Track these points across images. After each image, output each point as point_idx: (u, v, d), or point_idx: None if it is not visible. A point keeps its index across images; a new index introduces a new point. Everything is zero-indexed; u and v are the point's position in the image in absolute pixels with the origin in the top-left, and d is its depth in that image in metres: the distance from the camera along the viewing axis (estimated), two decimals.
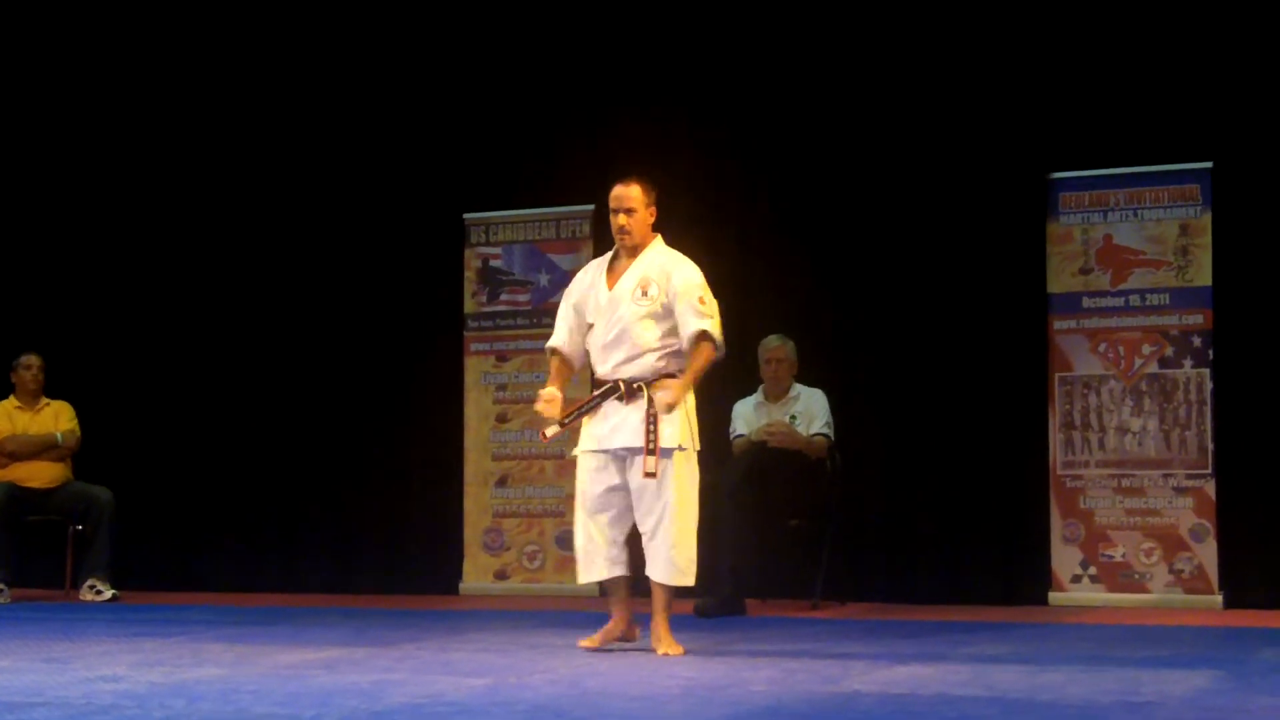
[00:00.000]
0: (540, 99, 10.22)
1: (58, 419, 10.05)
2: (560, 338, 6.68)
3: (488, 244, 10.23)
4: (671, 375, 6.41)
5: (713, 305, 6.46)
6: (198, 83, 11.03)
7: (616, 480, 6.44)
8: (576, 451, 6.59)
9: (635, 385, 6.40)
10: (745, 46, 9.80)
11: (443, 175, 10.42)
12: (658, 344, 6.42)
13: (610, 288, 6.51)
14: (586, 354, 6.64)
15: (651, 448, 6.29)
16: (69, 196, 11.25)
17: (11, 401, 10.05)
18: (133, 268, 11.05)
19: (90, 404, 10.31)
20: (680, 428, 6.37)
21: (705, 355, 6.40)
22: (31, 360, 10.07)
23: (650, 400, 6.33)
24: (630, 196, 6.51)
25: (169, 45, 11.08)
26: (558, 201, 10.06)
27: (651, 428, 6.30)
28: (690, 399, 6.47)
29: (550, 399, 6.48)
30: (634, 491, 6.39)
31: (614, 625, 6.51)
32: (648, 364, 6.42)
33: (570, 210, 10.04)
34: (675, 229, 9.58)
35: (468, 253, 10.26)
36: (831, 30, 9.65)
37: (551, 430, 6.54)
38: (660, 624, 6.37)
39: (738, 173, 9.77)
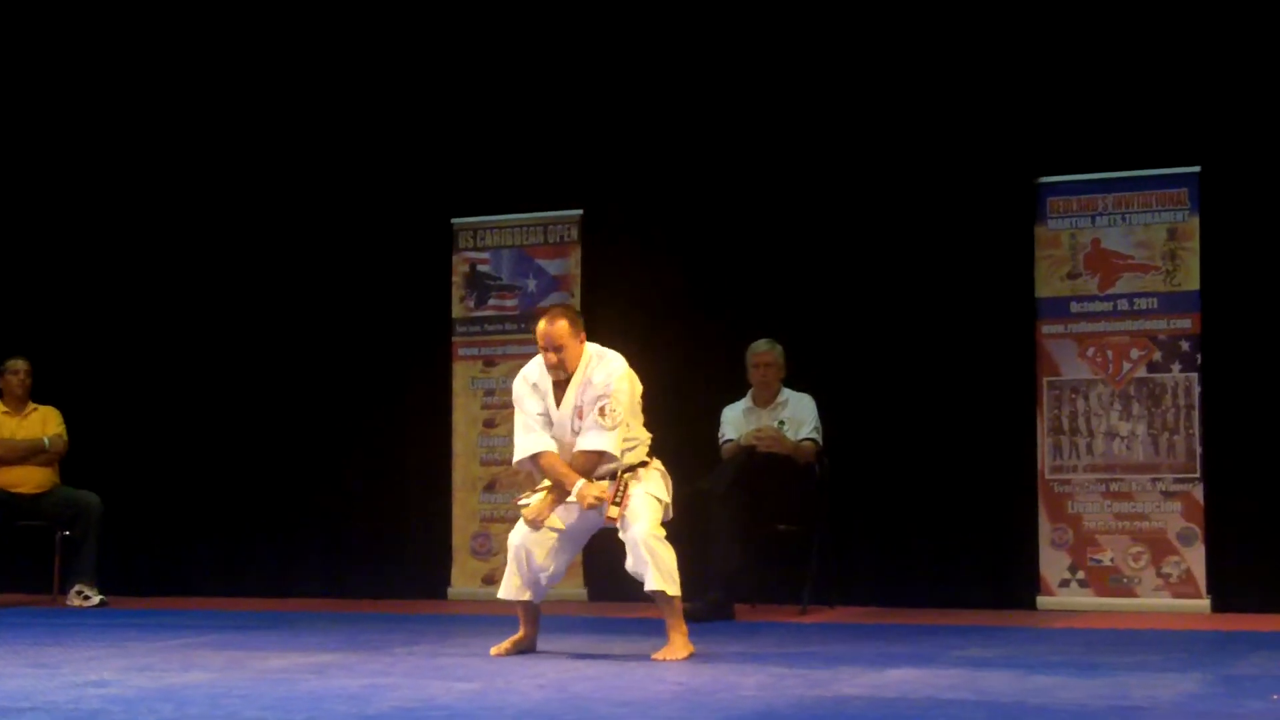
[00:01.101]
0: (528, 103, 10.22)
1: (45, 424, 10.03)
2: (543, 437, 6.55)
3: (475, 249, 10.22)
4: (642, 461, 6.51)
5: (617, 411, 6.43)
6: (188, 89, 11.01)
7: (570, 523, 6.50)
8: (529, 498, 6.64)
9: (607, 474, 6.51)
10: (734, 50, 9.80)
11: (431, 180, 10.41)
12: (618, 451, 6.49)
13: (558, 407, 6.54)
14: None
15: (618, 500, 6.36)
16: (57, 202, 11.23)
17: None
18: (121, 273, 11.03)
19: (78, 409, 10.29)
20: (651, 483, 6.47)
21: (589, 464, 6.44)
22: (19, 365, 10.05)
23: (623, 478, 6.41)
24: (556, 335, 6.45)
25: (159, 51, 11.07)
26: (546, 206, 10.06)
27: (621, 491, 6.39)
28: (658, 471, 6.56)
29: (539, 514, 6.48)
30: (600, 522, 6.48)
31: (522, 636, 6.63)
32: (614, 465, 6.49)
33: (558, 215, 10.04)
34: (663, 232, 9.68)
35: (455, 258, 10.25)
36: (821, 35, 9.65)
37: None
38: (670, 628, 6.41)
39: (726, 177, 9.76)
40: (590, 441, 6.42)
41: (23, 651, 6.83)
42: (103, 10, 11.16)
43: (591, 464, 6.44)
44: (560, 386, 6.53)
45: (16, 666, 6.22)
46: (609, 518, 6.37)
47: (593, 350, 6.57)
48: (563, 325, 6.45)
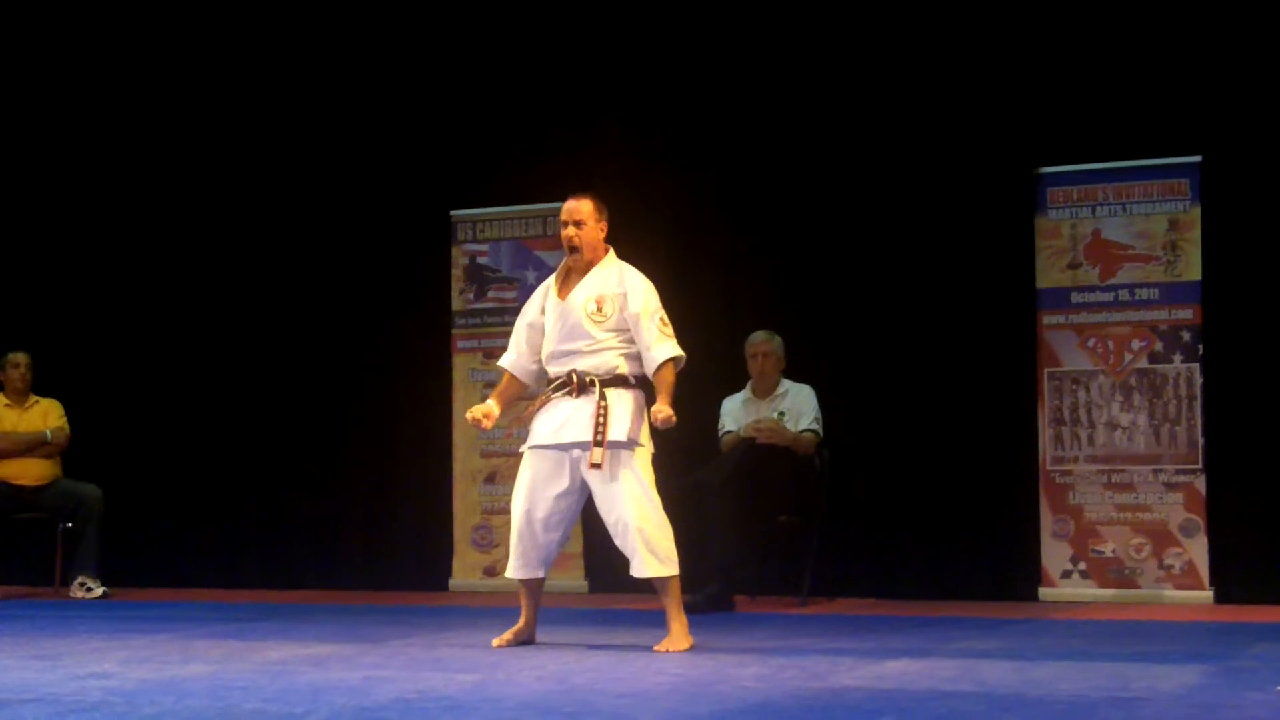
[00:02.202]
0: (527, 96, 10.21)
1: (46, 417, 10.04)
2: (509, 358, 6.79)
3: (475, 241, 10.21)
4: (625, 377, 6.47)
5: (669, 324, 6.54)
6: (187, 82, 11.00)
7: (566, 484, 6.48)
8: (525, 448, 6.62)
9: (589, 379, 6.44)
10: (732, 41, 9.79)
11: (430, 172, 10.40)
12: (612, 343, 6.49)
13: (563, 298, 6.57)
14: (536, 374, 6.74)
15: (600, 439, 6.31)
16: (57, 195, 11.23)
17: (0, 399, 10.03)
18: (121, 266, 11.03)
19: (79, 402, 10.29)
20: (632, 424, 6.40)
21: (669, 375, 6.45)
22: (20, 358, 10.05)
23: (602, 394, 6.38)
24: (580, 210, 6.59)
25: (158, 44, 11.06)
26: (545, 198, 10.00)
27: (601, 420, 6.33)
28: (640, 399, 6.54)
29: (487, 414, 6.58)
30: (594, 491, 6.42)
31: (523, 625, 6.62)
32: (602, 360, 6.47)
33: (557, 207, 9.88)
34: (662, 224, 9.66)
35: (455, 250, 10.24)
36: (820, 25, 9.63)
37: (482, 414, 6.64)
38: (670, 618, 6.39)
39: (725, 167, 9.76)
40: (662, 352, 6.43)
41: (24, 643, 6.84)
42: (102, 8, 11.14)
43: (672, 374, 6.45)
44: (572, 278, 6.60)
45: (19, 658, 6.24)
46: (593, 463, 6.32)
47: (619, 261, 6.64)
48: (587, 203, 6.61)
